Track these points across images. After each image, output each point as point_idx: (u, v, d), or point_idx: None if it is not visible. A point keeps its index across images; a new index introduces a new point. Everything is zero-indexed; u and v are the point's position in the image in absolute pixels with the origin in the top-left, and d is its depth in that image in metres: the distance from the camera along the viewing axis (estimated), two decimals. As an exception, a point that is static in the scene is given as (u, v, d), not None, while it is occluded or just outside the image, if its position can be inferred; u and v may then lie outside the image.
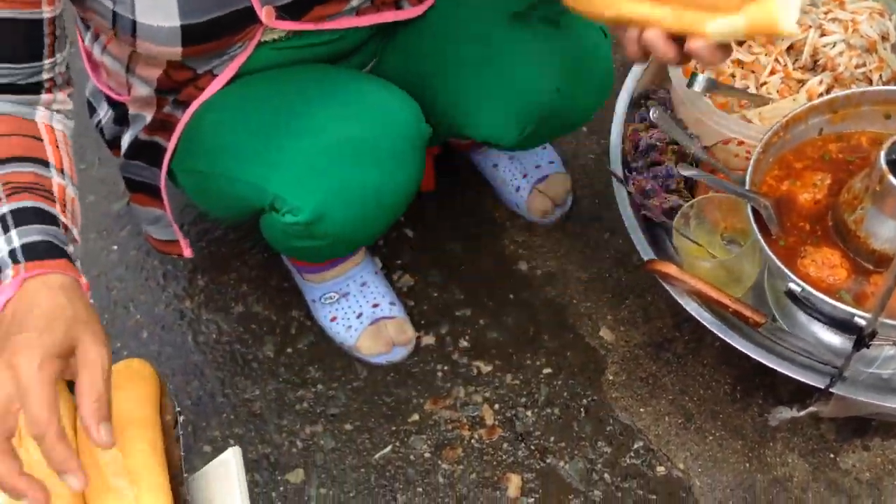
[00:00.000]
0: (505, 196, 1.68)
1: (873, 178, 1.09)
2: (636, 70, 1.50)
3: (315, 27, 1.18)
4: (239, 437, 1.43)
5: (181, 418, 1.05)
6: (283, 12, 1.14)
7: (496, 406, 1.46)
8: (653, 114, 1.26)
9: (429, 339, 1.53)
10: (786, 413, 1.27)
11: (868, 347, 1.05)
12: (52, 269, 0.90)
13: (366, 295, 1.50)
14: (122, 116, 1.31)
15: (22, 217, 0.94)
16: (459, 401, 1.47)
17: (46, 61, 1.04)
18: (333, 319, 1.49)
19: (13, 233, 0.93)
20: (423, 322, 1.55)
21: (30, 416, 0.82)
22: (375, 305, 1.49)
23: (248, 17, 1.13)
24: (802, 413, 1.23)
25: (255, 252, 1.62)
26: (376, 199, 1.18)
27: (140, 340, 1.53)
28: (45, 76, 1.05)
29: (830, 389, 1.14)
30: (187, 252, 1.39)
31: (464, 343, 1.53)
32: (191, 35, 1.09)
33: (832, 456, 1.34)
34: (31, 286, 0.89)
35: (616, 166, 1.40)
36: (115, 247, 1.64)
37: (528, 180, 1.65)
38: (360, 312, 1.49)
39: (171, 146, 1.25)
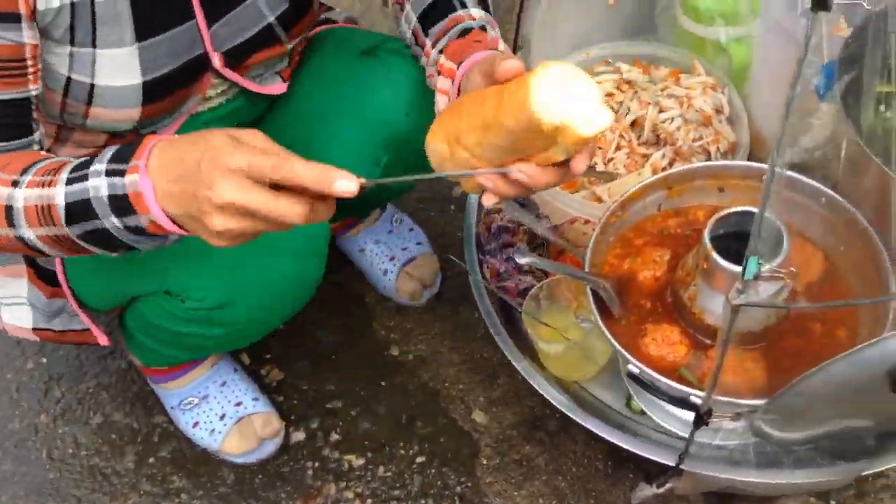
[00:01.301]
0: (374, 280, 1.67)
1: (700, 255, 1.11)
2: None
3: (256, 89, 1.24)
4: (97, 559, 1.37)
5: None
6: (230, 57, 1.17)
7: (369, 501, 1.42)
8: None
9: (299, 435, 1.49)
10: (647, 490, 1.26)
11: (707, 424, 1.06)
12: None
13: (226, 395, 1.46)
14: None
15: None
16: (331, 498, 1.43)
17: (36, 135, 1.03)
18: (195, 425, 1.45)
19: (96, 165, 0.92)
20: (292, 417, 1.51)
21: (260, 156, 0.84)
22: (238, 404, 1.45)
23: (200, 67, 1.15)
24: (662, 490, 1.23)
25: (115, 358, 1.56)
26: (285, 288, 1.19)
27: (-9, 461, 1.47)
28: (35, 149, 1.03)
29: (680, 466, 1.14)
30: (103, 340, 1.29)
31: (335, 436, 1.49)
32: (150, 92, 1.10)
33: (701, 527, 1.35)
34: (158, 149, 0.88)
35: (471, 250, 1.41)
36: (-35, 362, 1.58)
37: (395, 263, 1.64)
38: (223, 413, 1.45)
39: None
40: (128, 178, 0.89)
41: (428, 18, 1.16)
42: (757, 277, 0.92)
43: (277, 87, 1.29)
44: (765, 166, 1.24)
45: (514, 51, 1.39)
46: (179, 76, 1.13)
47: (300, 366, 1.58)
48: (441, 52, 1.11)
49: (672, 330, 1.16)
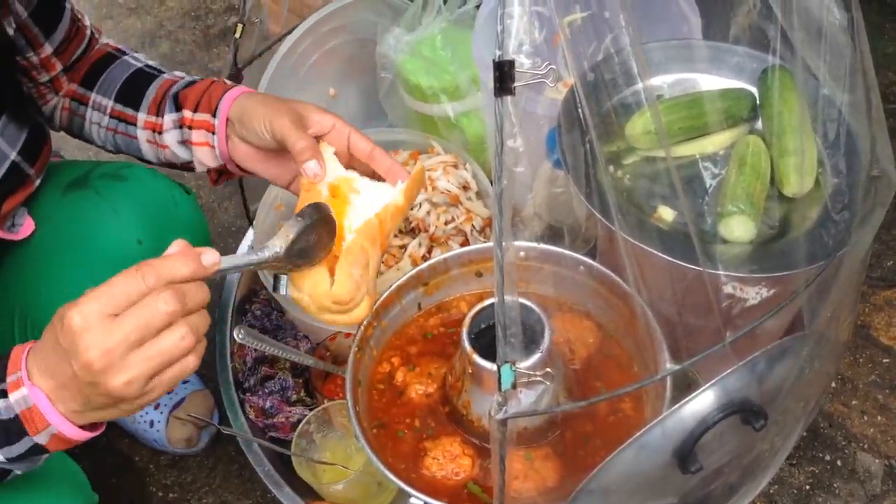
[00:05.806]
0: (140, 436, 1.47)
1: (463, 359, 1.01)
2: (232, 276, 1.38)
3: (8, 237, 1.12)
4: None
5: None
6: None
7: None
8: (237, 334, 1.12)
9: None
10: None
11: (507, 546, 0.95)
12: None
13: None
14: None
15: None
16: None
17: None
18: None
19: None
20: None
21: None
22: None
23: None
24: None
25: None
26: None
27: None
28: None
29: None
30: None
31: None
32: None
33: None
34: None
35: (228, 389, 1.25)
36: None
37: (161, 410, 1.46)
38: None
39: None
40: (13, 397, 0.79)
41: (129, 96, 1.13)
42: (515, 385, 0.83)
43: (26, 226, 1.14)
44: (521, 244, 1.17)
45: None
46: None
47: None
48: (178, 109, 1.07)
49: (453, 442, 1.05)
